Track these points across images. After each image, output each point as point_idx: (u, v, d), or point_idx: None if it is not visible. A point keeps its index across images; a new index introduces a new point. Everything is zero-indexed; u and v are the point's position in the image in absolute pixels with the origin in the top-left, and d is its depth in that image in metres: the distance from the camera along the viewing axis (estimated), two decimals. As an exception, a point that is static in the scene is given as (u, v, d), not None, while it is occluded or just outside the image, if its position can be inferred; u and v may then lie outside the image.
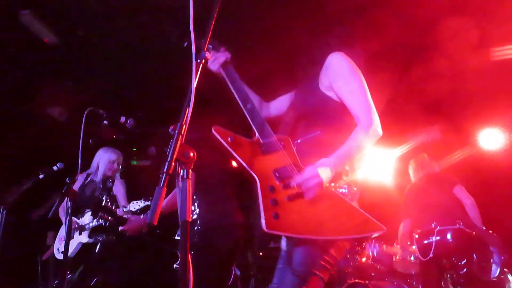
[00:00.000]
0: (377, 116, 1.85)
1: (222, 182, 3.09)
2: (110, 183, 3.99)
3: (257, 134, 1.84)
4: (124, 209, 3.46)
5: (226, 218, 2.93)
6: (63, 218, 3.93)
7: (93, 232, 3.70)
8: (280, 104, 2.22)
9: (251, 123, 1.88)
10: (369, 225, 1.79)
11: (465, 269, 3.98)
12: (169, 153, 1.26)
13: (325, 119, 1.90)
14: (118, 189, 3.97)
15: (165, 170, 1.23)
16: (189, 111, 1.31)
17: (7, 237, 3.34)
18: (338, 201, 1.77)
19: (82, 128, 2.69)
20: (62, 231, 3.99)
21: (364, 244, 4.92)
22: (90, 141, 2.70)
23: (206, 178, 3.01)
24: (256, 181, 1.73)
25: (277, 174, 1.74)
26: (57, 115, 5.36)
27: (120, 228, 2.54)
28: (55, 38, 3.94)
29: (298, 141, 1.89)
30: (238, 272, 5.93)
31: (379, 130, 1.83)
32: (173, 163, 1.24)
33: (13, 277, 5.18)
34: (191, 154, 1.28)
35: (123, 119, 2.91)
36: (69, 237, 2.42)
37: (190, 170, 1.27)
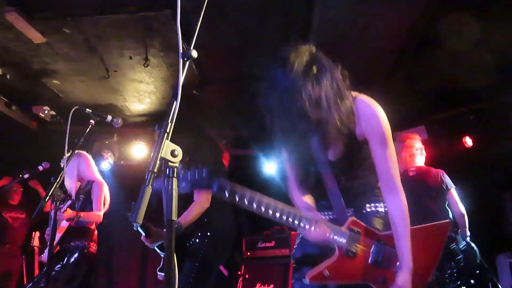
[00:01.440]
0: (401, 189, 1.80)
1: None
2: (89, 187, 3.88)
3: (335, 245, 1.75)
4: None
5: (234, 229, 2.93)
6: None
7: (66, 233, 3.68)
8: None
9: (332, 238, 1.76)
10: None
11: None
12: (154, 151, 1.25)
13: (367, 161, 1.85)
14: (95, 191, 3.85)
15: (150, 169, 1.23)
16: (175, 109, 1.30)
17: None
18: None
19: (68, 127, 2.66)
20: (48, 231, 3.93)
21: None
22: (76, 140, 2.67)
23: None
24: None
25: (376, 264, 1.74)
26: (43, 114, 5.29)
27: (143, 237, 2.51)
28: (41, 36, 3.89)
29: (342, 178, 1.86)
30: (226, 273, 5.93)
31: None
32: (158, 162, 1.24)
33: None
34: (177, 153, 1.28)
35: (109, 118, 2.89)
36: (53, 236, 2.39)
37: (175, 168, 1.27)
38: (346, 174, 1.87)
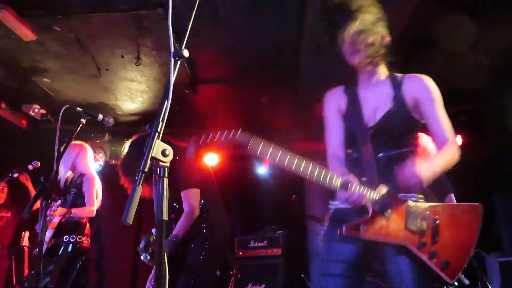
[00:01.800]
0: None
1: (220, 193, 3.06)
2: (80, 180, 3.87)
3: (368, 207, 1.79)
4: None
5: (229, 234, 2.93)
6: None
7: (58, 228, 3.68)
8: (340, 142, 2.11)
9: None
10: None
11: None
12: (145, 151, 1.25)
13: (411, 139, 1.96)
14: (86, 185, 3.85)
15: (141, 168, 1.22)
16: (166, 108, 1.30)
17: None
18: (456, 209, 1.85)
19: (59, 125, 2.64)
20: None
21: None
22: (66, 139, 2.65)
23: (214, 191, 2.99)
24: (407, 247, 1.75)
25: (410, 229, 1.77)
26: (33, 112, 5.24)
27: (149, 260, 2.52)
28: (32, 34, 3.85)
29: (380, 155, 1.90)
30: (217, 272, 5.92)
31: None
32: (149, 161, 1.23)
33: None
34: (168, 152, 1.27)
35: (100, 117, 2.87)
36: (43, 235, 2.37)
37: (166, 168, 1.26)
38: (385, 151, 1.91)
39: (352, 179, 1.78)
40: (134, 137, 2.97)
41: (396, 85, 2.01)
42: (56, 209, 3.43)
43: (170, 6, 1.47)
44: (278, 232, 5.85)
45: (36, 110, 5.22)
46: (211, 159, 6.35)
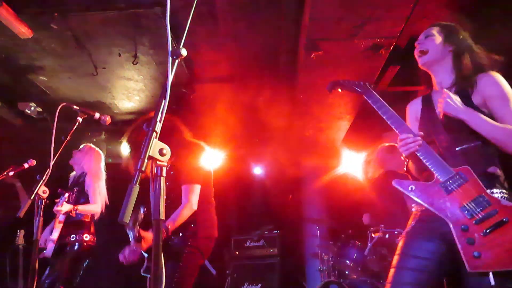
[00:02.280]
0: None
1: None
2: (82, 178, 3.94)
3: (435, 174, 1.84)
4: None
5: (216, 229, 2.93)
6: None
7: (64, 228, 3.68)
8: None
9: (427, 163, 1.86)
10: None
11: None
12: (142, 150, 1.24)
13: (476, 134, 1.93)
14: (89, 186, 3.90)
15: (138, 168, 1.22)
16: (164, 107, 1.29)
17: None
18: None
19: (55, 124, 2.62)
20: (47, 231, 3.91)
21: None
22: (62, 137, 2.63)
23: (210, 191, 2.99)
24: (448, 224, 1.75)
25: (466, 212, 1.75)
26: (29, 110, 5.22)
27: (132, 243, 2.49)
28: (29, 31, 3.83)
29: (458, 148, 1.92)
30: (214, 271, 5.91)
31: None
32: (146, 160, 1.22)
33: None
34: (165, 152, 1.26)
35: (97, 115, 2.85)
36: (38, 235, 2.35)
37: (164, 167, 1.26)
38: (456, 144, 1.93)
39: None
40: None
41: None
42: (63, 204, 3.49)
43: (168, 4, 1.46)
44: (274, 232, 5.85)
45: (32, 108, 5.19)
46: (213, 160, 6.33)
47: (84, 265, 3.79)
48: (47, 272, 3.64)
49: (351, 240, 4.98)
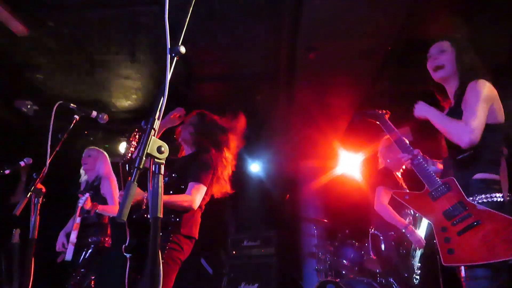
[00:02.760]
0: (476, 131, 2.05)
1: None
2: (97, 182, 3.97)
3: (425, 184, 2.22)
4: None
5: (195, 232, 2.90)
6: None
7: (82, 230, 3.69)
8: None
9: (419, 176, 2.27)
10: None
11: None
12: (140, 147, 1.23)
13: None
14: (106, 189, 3.95)
15: (136, 165, 1.21)
16: (162, 105, 1.29)
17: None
18: (505, 225, 1.95)
19: (52, 122, 2.61)
20: (61, 235, 4.00)
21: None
22: (59, 135, 2.62)
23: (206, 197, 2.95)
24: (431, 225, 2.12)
25: (445, 215, 2.09)
26: (25, 108, 5.19)
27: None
28: (24, 29, 3.81)
29: (459, 157, 2.18)
30: (210, 271, 5.91)
31: (469, 136, 2.05)
32: (144, 158, 1.22)
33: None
34: (163, 149, 1.26)
35: (94, 113, 2.84)
36: (33, 235, 2.34)
37: (162, 165, 1.25)
38: (457, 154, 2.18)
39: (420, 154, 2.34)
40: None
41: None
42: (88, 199, 3.54)
43: (167, 2, 1.46)
44: (271, 231, 5.85)
45: (29, 106, 5.17)
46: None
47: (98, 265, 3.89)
48: (75, 277, 3.69)
49: (348, 240, 4.99)
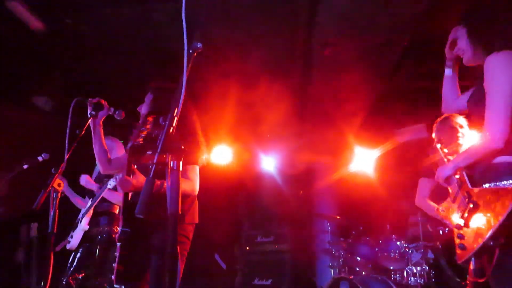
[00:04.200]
0: (503, 128, 1.82)
1: None
2: None
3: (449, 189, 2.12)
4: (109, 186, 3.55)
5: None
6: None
7: (93, 218, 3.77)
8: (462, 101, 2.31)
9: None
10: None
11: None
12: (159, 144, 1.24)
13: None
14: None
15: (154, 161, 1.22)
16: (180, 102, 1.29)
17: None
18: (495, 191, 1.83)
19: (69, 118, 2.64)
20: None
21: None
22: (77, 131, 2.65)
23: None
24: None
25: (459, 212, 1.98)
26: (43, 105, 5.27)
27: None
28: (42, 25, 3.86)
29: None
30: (224, 266, 5.95)
31: (495, 144, 1.83)
32: (163, 155, 1.23)
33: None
34: (181, 146, 1.27)
35: (111, 110, 2.86)
36: (53, 229, 2.38)
37: (180, 161, 1.26)
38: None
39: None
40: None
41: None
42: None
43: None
44: (285, 228, 5.85)
45: (47, 102, 5.24)
46: (223, 156, 6.34)
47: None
48: (76, 261, 3.71)
49: (362, 237, 4.96)
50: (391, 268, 4.71)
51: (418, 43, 4.13)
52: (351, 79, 4.62)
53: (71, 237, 3.80)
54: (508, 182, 1.80)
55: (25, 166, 3.99)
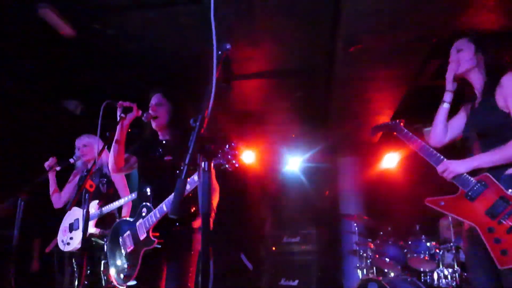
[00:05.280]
0: None
1: None
2: (106, 169, 3.90)
3: (460, 187, 2.12)
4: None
5: None
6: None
7: (99, 221, 3.73)
8: (456, 127, 2.42)
9: (452, 180, 2.16)
10: None
11: None
12: (190, 145, 1.25)
13: (507, 133, 2.07)
14: (117, 177, 3.85)
15: (186, 162, 1.23)
16: (210, 103, 1.30)
17: (25, 227, 3.38)
18: None
19: (100, 121, 2.69)
20: (65, 223, 3.98)
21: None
22: (107, 133, 2.71)
23: None
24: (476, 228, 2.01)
25: (489, 215, 1.98)
26: (74, 108, 5.41)
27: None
28: (72, 31, 3.97)
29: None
30: (250, 267, 5.96)
31: None
32: (194, 155, 1.24)
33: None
34: (212, 147, 1.27)
35: (139, 112, 2.91)
36: (86, 228, 2.44)
37: (211, 162, 1.27)
38: (490, 147, 2.09)
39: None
40: None
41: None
42: None
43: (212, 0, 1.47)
44: (311, 228, 5.82)
45: (77, 106, 5.38)
46: (250, 156, 6.35)
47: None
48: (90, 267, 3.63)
49: (391, 238, 4.88)
50: (421, 269, 4.61)
51: (446, 40, 4.03)
52: (377, 77, 4.55)
53: (71, 238, 3.78)
54: None
55: (58, 168, 4.10)
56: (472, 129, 2.22)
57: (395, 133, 2.57)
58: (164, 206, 2.46)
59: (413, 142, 2.39)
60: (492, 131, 2.11)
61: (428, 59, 4.22)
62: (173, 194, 2.31)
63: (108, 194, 3.81)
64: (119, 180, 3.84)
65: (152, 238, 2.47)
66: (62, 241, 3.85)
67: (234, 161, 1.33)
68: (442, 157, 2.21)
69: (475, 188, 2.05)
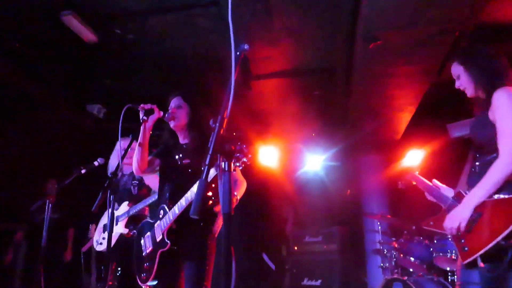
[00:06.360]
0: None
1: None
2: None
3: (442, 205, 2.42)
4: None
5: None
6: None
7: (129, 222, 3.78)
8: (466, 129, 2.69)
9: (434, 200, 2.53)
10: None
11: None
12: (210, 145, 1.26)
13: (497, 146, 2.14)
14: (150, 180, 3.88)
15: (206, 163, 1.24)
16: (230, 103, 1.31)
17: (52, 230, 3.47)
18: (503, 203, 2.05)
19: (120, 124, 2.74)
20: (100, 223, 4.09)
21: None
22: (130, 136, 2.76)
23: None
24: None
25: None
26: (97, 112, 5.53)
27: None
28: (94, 37, 4.06)
29: (477, 163, 2.25)
30: (273, 266, 5.95)
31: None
32: (214, 156, 1.25)
33: (59, 268, 5.41)
34: (232, 147, 1.28)
35: (161, 113, 2.95)
36: (111, 229, 2.49)
37: (231, 163, 1.27)
38: (480, 159, 2.23)
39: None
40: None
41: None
42: None
43: (230, 2, 1.48)
44: (333, 227, 5.77)
45: (100, 110, 5.50)
46: (270, 156, 6.35)
47: None
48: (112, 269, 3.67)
49: (415, 237, 4.79)
50: (448, 269, 4.51)
51: (470, 33, 3.93)
52: (398, 73, 4.47)
53: (103, 238, 3.86)
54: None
55: (83, 171, 4.18)
56: (471, 138, 2.35)
57: (414, 183, 2.96)
58: (176, 208, 2.50)
59: (429, 190, 2.64)
60: (484, 144, 2.21)
61: (451, 53, 4.13)
62: (184, 196, 2.41)
63: (140, 195, 3.86)
64: (152, 181, 3.88)
65: (166, 240, 2.51)
66: (97, 241, 3.97)
67: (245, 159, 1.31)
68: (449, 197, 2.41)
69: (451, 204, 2.32)
